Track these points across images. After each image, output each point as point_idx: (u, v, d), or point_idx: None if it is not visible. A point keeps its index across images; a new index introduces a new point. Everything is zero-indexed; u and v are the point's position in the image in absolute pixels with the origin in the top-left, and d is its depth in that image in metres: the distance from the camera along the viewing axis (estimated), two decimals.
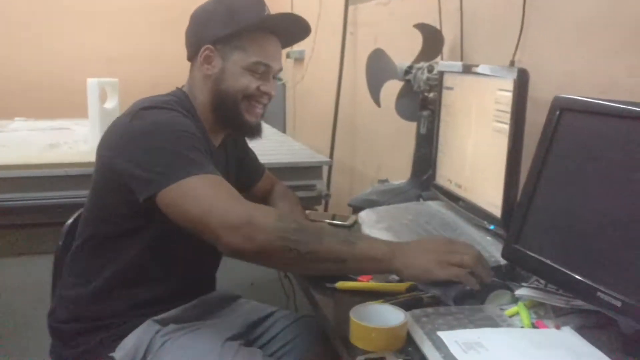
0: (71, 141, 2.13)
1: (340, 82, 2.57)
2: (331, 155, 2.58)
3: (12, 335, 1.86)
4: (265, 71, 1.24)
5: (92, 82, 1.93)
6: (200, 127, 1.21)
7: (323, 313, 1.04)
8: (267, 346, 1.31)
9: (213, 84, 1.24)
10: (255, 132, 1.31)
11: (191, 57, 1.27)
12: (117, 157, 1.12)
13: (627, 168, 0.85)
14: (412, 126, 1.72)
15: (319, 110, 2.92)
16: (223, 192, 1.04)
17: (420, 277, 0.97)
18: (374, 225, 1.39)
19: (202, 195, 1.02)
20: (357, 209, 1.65)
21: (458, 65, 1.41)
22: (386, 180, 1.82)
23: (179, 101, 1.22)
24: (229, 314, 1.31)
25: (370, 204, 1.61)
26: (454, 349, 0.82)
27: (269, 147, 2.13)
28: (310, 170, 1.95)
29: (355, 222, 1.49)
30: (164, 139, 1.08)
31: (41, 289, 1.82)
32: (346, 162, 2.67)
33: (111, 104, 1.95)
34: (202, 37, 1.23)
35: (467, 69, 1.35)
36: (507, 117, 1.17)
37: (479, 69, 1.28)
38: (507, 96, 1.17)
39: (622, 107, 0.88)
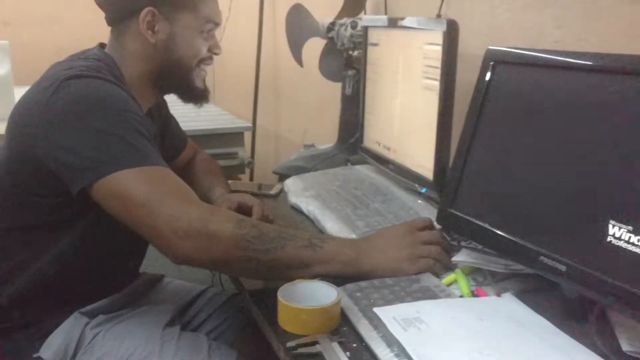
0: None
1: (260, 42, 2.43)
2: (254, 122, 2.45)
3: None
4: (212, 29, 1.11)
5: None
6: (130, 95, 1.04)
7: (246, 294, 0.94)
8: (201, 327, 1.21)
9: (160, 54, 1.07)
10: (205, 97, 1.18)
11: (118, 21, 1.07)
12: (40, 139, 0.93)
13: (568, 122, 0.80)
14: (337, 87, 1.63)
15: (238, 74, 2.77)
16: (174, 191, 0.90)
17: (390, 276, 0.90)
18: (301, 193, 1.30)
19: (148, 193, 0.88)
20: (283, 176, 1.56)
21: (383, 19, 1.33)
22: (312, 146, 1.73)
23: (107, 67, 1.03)
24: (158, 298, 1.20)
25: (296, 170, 1.52)
26: (392, 327, 0.75)
27: (185, 112, 1.98)
28: (231, 137, 1.83)
29: (281, 191, 1.39)
30: (101, 118, 0.91)
31: None
32: (270, 129, 2.56)
33: (2, 69, 1.73)
34: None
35: (393, 23, 1.27)
36: (436, 73, 1.10)
37: (406, 22, 1.20)
38: (437, 50, 1.10)
39: (561, 59, 0.82)
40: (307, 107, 2.23)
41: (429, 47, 1.13)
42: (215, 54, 1.15)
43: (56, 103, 0.93)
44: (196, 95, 1.16)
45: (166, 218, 0.86)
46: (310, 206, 1.22)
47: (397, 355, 0.70)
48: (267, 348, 1.13)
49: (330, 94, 1.79)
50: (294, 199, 1.29)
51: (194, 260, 0.89)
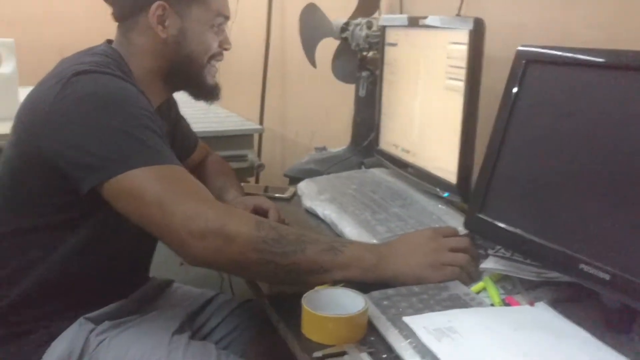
0: None
1: (268, 42, 2.39)
2: (260, 123, 2.41)
3: None
4: (222, 23, 1.08)
5: None
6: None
7: (265, 300, 0.90)
8: (210, 336, 1.17)
9: (171, 49, 1.03)
10: (217, 94, 1.14)
11: (127, 17, 1.04)
12: (47, 136, 0.90)
13: (609, 123, 0.76)
14: (348, 89, 1.60)
15: (244, 75, 2.73)
16: (189, 190, 0.87)
17: (413, 283, 0.86)
18: (315, 196, 1.26)
19: (162, 192, 0.84)
20: (293, 179, 1.52)
21: (403, 18, 1.29)
22: (323, 148, 1.69)
23: (116, 63, 0.99)
24: (166, 304, 1.16)
25: (308, 173, 1.48)
26: (425, 337, 0.71)
27: (193, 114, 1.94)
28: (241, 139, 1.79)
29: (294, 194, 1.35)
30: (111, 114, 0.88)
31: None
32: (276, 130, 2.52)
33: (8, 67, 1.69)
34: None
35: (414, 22, 1.23)
36: (461, 73, 1.07)
37: (428, 21, 1.16)
38: (461, 50, 1.06)
39: (598, 58, 0.79)
40: (316, 109, 2.19)
41: (453, 46, 1.09)
42: (226, 49, 1.11)
43: (64, 100, 0.90)
44: (207, 92, 1.13)
45: (181, 218, 0.83)
46: (326, 210, 1.19)
47: None
48: (280, 358, 1.09)
49: (340, 96, 1.75)
50: (308, 202, 1.25)
51: (209, 262, 0.85)
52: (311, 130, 2.22)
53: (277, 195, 1.34)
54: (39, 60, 2.00)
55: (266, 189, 1.37)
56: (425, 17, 1.18)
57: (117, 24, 1.07)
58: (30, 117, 0.95)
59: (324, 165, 1.53)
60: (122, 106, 0.90)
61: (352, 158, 1.55)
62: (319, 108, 2.18)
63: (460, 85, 1.07)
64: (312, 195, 1.28)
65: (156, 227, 0.85)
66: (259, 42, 2.45)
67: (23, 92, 1.75)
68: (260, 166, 1.79)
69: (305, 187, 1.33)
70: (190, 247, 0.83)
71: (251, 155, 1.79)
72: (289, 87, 2.46)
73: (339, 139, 1.74)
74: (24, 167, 0.96)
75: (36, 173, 0.94)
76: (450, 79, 1.10)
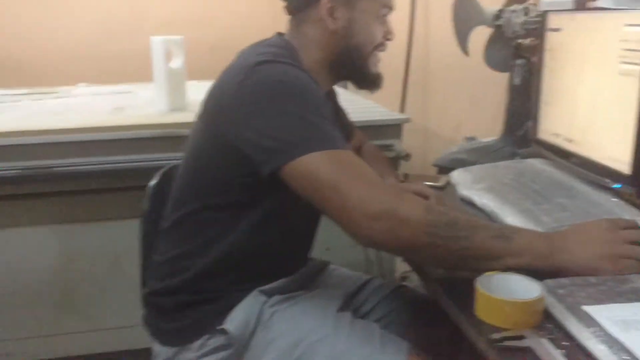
0: (135, 104, 2.07)
1: (411, 32, 2.39)
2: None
3: (90, 301, 1.84)
4: (386, 14, 1.12)
5: (156, 40, 1.83)
6: None
7: (434, 282, 0.92)
8: (368, 316, 1.21)
9: (339, 40, 1.09)
10: (379, 82, 1.18)
11: (299, 9, 1.10)
12: (232, 122, 0.98)
13: None
14: (496, 78, 1.56)
15: (385, 67, 2.75)
16: (361, 174, 0.91)
17: (587, 274, 0.84)
18: (471, 186, 1.26)
19: (337, 176, 0.89)
20: (443, 169, 1.53)
21: (568, 2, 1.24)
22: (474, 139, 1.67)
23: (289, 53, 1.06)
24: (325, 284, 1.22)
25: (459, 163, 1.48)
26: (610, 328, 0.69)
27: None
28: (388, 129, 1.82)
29: (448, 183, 1.35)
30: (292, 101, 0.94)
31: (117, 255, 1.80)
32: (418, 121, 2.52)
33: (177, 63, 1.86)
34: None
35: (581, 5, 1.18)
36: (637, 57, 1.01)
37: (599, 3, 1.11)
38: (638, 32, 1.00)
39: None
40: (461, 99, 2.17)
41: (628, 28, 1.03)
42: (389, 39, 1.14)
43: (247, 87, 0.97)
44: (371, 81, 1.17)
45: (356, 201, 0.86)
46: (483, 199, 1.18)
47: (620, 358, 0.65)
48: (440, 341, 1.11)
49: (486, 86, 1.72)
50: (465, 191, 1.25)
51: (381, 243, 0.88)
52: (456, 120, 2.20)
53: (431, 183, 1.35)
54: (199, 57, 2.18)
55: (406, 177, 1.38)
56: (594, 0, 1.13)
57: (287, 17, 1.13)
58: (216, 104, 1.04)
59: (476, 155, 1.51)
60: (300, 93, 0.96)
61: (505, 148, 1.52)
62: (463, 99, 2.15)
63: (637, 69, 1.01)
64: (467, 184, 1.27)
65: (331, 208, 0.90)
66: (401, 34, 2.46)
67: (190, 86, 1.92)
68: (407, 156, 1.81)
69: (459, 176, 1.33)
70: (364, 229, 0.86)
71: (398, 145, 1.81)
72: (431, 78, 2.45)
73: (485, 129, 1.71)
74: (209, 151, 1.05)
75: (220, 156, 1.03)
76: (625, 63, 1.05)
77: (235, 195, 1.04)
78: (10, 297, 1.77)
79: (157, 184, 1.23)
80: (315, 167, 0.90)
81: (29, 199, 1.72)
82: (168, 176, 1.24)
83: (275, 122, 0.94)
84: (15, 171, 1.63)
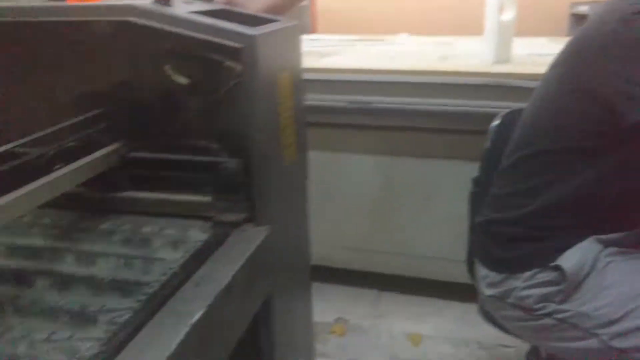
0: (458, 54, 2.18)
1: None
2: None
3: (402, 228, 2.05)
4: None
5: None
6: None
7: None
8: None
9: None
10: None
11: None
12: (603, 68, 1.01)
13: None
14: None
15: None
16: None
17: None
18: None
19: None
20: None
21: None
22: None
23: None
24: None
25: None
26: None
27: None
28: None
29: None
30: None
31: (429, 191, 1.96)
32: None
33: (509, 15, 1.89)
34: None
35: None
36: None
37: None
38: None
39: None
40: None
41: None
42: None
43: (624, 35, 0.97)
44: None
45: None
46: None
47: None
48: None
49: None
50: None
51: None
52: None
53: None
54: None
55: None
56: None
57: None
58: (583, 51, 1.06)
59: None
60: None
61: None
62: None
63: None
64: None
65: None
66: None
67: (515, 42, 1.95)
68: None
69: None
70: None
71: None
72: None
73: None
74: (565, 98, 1.09)
75: (576, 103, 1.06)
76: None
77: (585, 142, 1.07)
78: (336, 209, 2.07)
79: (499, 125, 1.33)
80: None
81: (358, 130, 1.97)
82: (509, 119, 1.31)
83: None
84: (356, 105, 1.89)
